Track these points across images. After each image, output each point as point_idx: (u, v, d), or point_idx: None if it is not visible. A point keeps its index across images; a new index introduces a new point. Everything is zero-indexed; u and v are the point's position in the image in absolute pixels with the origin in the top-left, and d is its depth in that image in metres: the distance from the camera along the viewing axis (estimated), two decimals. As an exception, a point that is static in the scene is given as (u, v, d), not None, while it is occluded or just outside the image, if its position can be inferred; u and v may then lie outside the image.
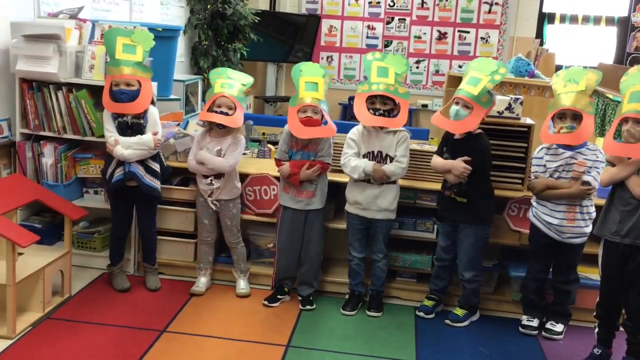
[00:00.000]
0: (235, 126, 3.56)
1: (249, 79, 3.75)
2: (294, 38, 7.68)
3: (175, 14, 5.92)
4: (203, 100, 5.66)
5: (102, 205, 3.91)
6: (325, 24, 7.65)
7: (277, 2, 7.69)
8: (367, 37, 7.56)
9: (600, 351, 3.15)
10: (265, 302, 3.64)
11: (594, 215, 3.34)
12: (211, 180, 3.63)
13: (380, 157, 3.50)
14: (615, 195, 3.05)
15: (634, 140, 2.85)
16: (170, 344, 3.16)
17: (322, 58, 7.70)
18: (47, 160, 3.81)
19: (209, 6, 6.09)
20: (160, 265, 3.94)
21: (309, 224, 3.63)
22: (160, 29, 4.02)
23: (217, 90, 3.57)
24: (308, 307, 3.62)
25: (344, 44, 7.66)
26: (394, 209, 3.54)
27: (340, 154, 3.61)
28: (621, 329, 3.15)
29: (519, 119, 3.69)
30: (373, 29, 7.52)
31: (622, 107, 2.93)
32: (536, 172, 3.36)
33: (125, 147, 3.45)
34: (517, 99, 3.67)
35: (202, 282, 3.76)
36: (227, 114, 3.53)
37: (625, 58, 7.05)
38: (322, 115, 3.49)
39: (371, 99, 3.43)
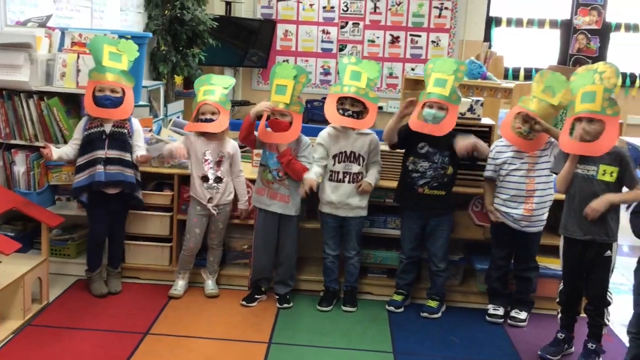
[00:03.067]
0: (220, 130, 3.67)
1: (230, 81, 3.86)
2: (249, 43, 7.77)
3: (134, 20, 5.93)
4: (165, 105, 5.71)
5: (75, 212, 3.93)
6: (280, 29, 7.77)
7: (232, 8, 7.75)
8: (322, 41, 7.71)
9: (563, 335, 3.37)
10: (243, 303, 3.74)
11: (549, 203, 3.58)
12: (212, 184, 3.70)
13: (353, 157, 3.65)
14: (569, 197, 3.25)
15: (589, 138, 3.06)
16: (156, 346, 3.23)
17: (278, 62, 7.79)
18: (19, 168, 3.80)
19: (166, 12, 6.13)
20: (135, 270, 3.99)
21: (283, 227, 3.74)
22: (129, 37, 4.05)
23: (200, 98, 3.67)
24: (285, 305, 3.73)
25: (299, 48, 7.79)
26: (365, 206, 3.71)
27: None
28: (582, 314, 3.37)
29: (480, 119, 3.90)
30: (328, 33, 7.68)
31: (575, 107, 3.10)
32: (489, 164, 3.62)
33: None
34: (478, 100, 3.89)
35: (180, 285, 3.82)
36: (211, 120, 3.63)
37: (568, 59, 7.43)
38: (292, 119, 3.60)
39: (341, 100, 3.58)
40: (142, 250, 4.00)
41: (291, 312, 3.70)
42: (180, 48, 6.24)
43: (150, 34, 5.15)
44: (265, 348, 3.27)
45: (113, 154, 3.57)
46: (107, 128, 3.57)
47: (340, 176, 3.66)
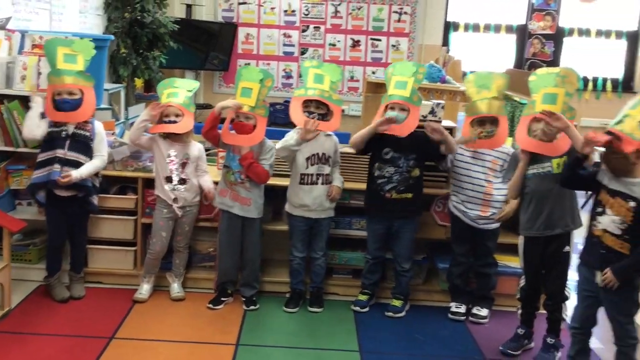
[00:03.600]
0: (183, 131, 3.67)
1: (194, 84, 3.86)
2: (210, 46, 7.74)
3: (93, 23, 5.86)
4: (126, 108, 5.66)
5: (35, 217, 3.87)
6: (241, 32, 7.77)
7: (192, 10, 7.72)
8: (284, 44, 7.74)
9: (523, 331, 3.47)
10: (210, 305, 3.74)
11: (503, 204, 3.68)
12: (175, 185, 3.70)
13: (324, 159, 3.71)
14: (526, 198, 3.34)
15: (547, 139, 3.17)
16: (122, 350, 3.21)
17: (240, 65, 7.79)
18: (-22, 173, 3.73)
19: (126, 14, 6.07)
20: (99, 275, 3.96)
21: (246, 229, 3.75)
22: (91, 39, 4.02)
23: (164, 101, 3.67)
24: (252, 307, 3.75)
25: (261, 51, 7.81)
26: (333, 206, 3.77)
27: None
28: (542, 310, 3.48)
29: (441, 122, 3.98)
30: (289, 36, 7.72)
31: (535, 106, 3.20)
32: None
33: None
34: (439, 103, 3.98)
35: (145, 289, 3.80)
36: (175, 122, 3.63)
37: (523, 63, 7.63)
38: (256, 122, 3.61)
39: (306, 103, 3.62)
40: (106, 255, 3.96)
41: (258, 313, 3.72)
42: (141, 51, 6.19)
43: (112, 37, 5.11)
44: (232, 350, 3.29)
45: (72, 155, 3.53)
46: (70, 129, 3.54)
47: (314, 178, 3.69)
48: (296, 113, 3.63)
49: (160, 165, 3.73)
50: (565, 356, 3.16)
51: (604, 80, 7.65)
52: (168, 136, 3.72)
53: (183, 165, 3.72)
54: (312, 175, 3.69)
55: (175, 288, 3.86)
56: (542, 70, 3.31)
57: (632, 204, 2.76)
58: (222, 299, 3.79)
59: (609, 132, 2.78)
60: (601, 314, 3.00)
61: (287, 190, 3.76)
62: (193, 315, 3.64)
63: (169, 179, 3.70)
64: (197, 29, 7.61)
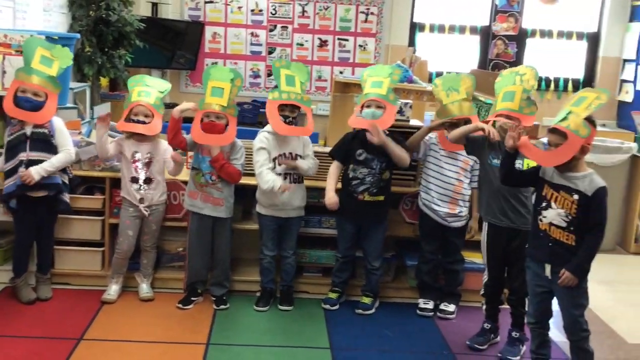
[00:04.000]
0: (153, 134, 3.65)
1: (166, 86, 3.84)
2: (176, 44, 7.68)
3: (57, 21, 5.77)
4: (91, 107, 5.59)
5: (1, 218, 3.81)
6: (208, 31, 7.72)
7: (158, 9, 7.65)
8: (251, 44, 7.72)
9: (489, 325, 3.55)
10: (179, 305, 3.73)
11: (468, 199, 3.77)
12: (141, 185, 3.67)
13: (291, 158, 3.72)
14: (488, 184, 3.42)
15: (505, 135, 3.24)
16: (91, 351, 3.19)
17: (207, 64, 7.75)
18: (-59, 173, 3.65)
19: (91, 13, 6.00)
20: (66, 276, 3.92)
21: (217, 229, 3.75)
22: (57, 37, 3.97)
23: (134, 98, 3.64)
24: (222, 306, 3.75)
25: (228, 50, 7.77)
26: (304, 206, 3.79)
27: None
28: (506, 305, 3.56)
29: (409, 121, 4.05)
30: (257, 36, 7.70)
31: (497, 104, 3.31)
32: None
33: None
34: (407, 103, 4.04)
35: (113, 289, 3.77)
36: (144, 122, 3.60)
37: (487, 64, 7.75)
38: (228, 121, 3.62)
39: (282, 107, 3.64)
40: (73, 256, 3.92)
41: (228, 313, 3.72)
42: (106, 49, 6.12)
43: (78, 35, 5.05)
44: (203, 349, 3.29)
45: (35, 155, 3.49)
46: (28, 130, 3.50)
47: (282, 178, 3.70)
48: (276, 119, 3.63)
49: (125, 166, 3.70)
50: (529, 350, 3.24)
51: (565, 81, 7.82)
52: (133, 136, 3.69)
53: (148, 164, 3.71)
54: (280, 175, 3.70)
55: (144, 288, 3.84)
56: (507, 71, 3.41)
57: (576, 197, 2.86)
58: (192, 298, 3.78)
59: (554, 129, 2.86)
60: (556, 307, 3.09)
61: (257, 190, 3.77)
62: (163, 316, 3.63)
63: (134, 180, 3.68)
64: (163, 27, 7.54)
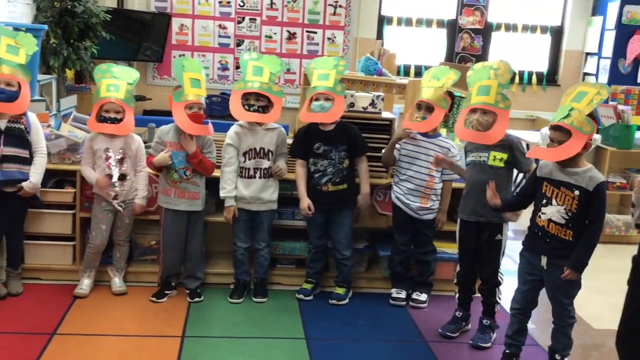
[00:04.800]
0: (124, 133, 3.62)
1: (135, 75, 3.78)
2: (142, 36, 7.59)
3: (22, 12, 5.65)
4: (58, 100, 5.50)
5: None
6: (175, 23, 7.65)
7: (124, 0, 7.56)
8: (219, 36, 7.68)
9: (461, 313, 3.62)
10: (153, 299, 3.71)
11: (439, 192, 3.85)
12: (115, 182, 3.64)
13: (262, 153, 3.73)
14: (468, 182, 3.50)
15: (482, 128, 3.30)
16: (65, 345, 3.16)
17: (174, 56, 7.69)
18: None
19: (56, 4, 5.89)
20: (37, 271, 3.87)
21: (192, 223, 3.74)
22: (24, 29, 3.89)
23: (103, 94, 3.59)
24: (197, 299, 3.75)
25: (196, 42, 7.71)
26: (275, 199, 3.80)
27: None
28: (477, 294, 3.64)
29: (381, 113, 4.10)
30: (225, 28, 7.66)
31: (471, 98, 3.35)
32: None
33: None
34: (379, 95, 4.08)
35: (85, 284, 3.74)
36: (115, 119, 3.57)
37: (454, 57, 7.85)
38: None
39: (246, 96, 3.64)
40: (43, 250, 3.87)
41: (202, 305, 3.72)
42: (72, 41, 6.02)
43: (46, 27, 4.96)
44: (179, 342, 3.29)
45: (9, 151, 3.45)
46: (2, 124, 3.44)
47: (252, 172, 3.72)
48: (236, 107, 3.64)
49: (97, 163, 3.66)
50: (503, 335, 3.32)
51: (530, 74, 7.97)
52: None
53: (121, 161, 3.67)
54: (249, 169, 3.72)
55: (117, 282, 3.81)
56: (479, 65, 3.46)
57: (577, 192, 2.92)
58: (166, 292, 3.77)
59: (558, 127, 2.90)
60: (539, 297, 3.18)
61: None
62: (137, 309, 3.61)
63: (108, 177, 3.64)
64: (129, 19, 7.45)
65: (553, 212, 2.99)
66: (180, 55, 7.72)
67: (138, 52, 7.58)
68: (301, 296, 3.87)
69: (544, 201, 3.03)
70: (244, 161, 3.71)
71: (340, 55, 7.65)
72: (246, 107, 3.64)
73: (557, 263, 3.00)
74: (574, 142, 2.85)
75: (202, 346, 3.27)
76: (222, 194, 3.70)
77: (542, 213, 3.03)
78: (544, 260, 3.06)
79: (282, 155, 3.82)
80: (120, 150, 3.66)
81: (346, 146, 3.74)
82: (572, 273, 2.94)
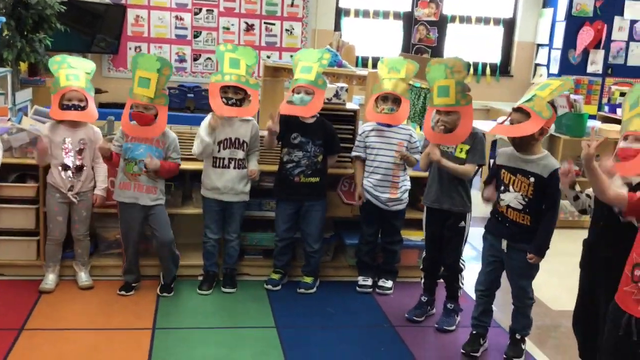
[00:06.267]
0: (91, 120, 3.59)
1: (91, 66, 3.74)
2: (95, 28, 7.46)
3: (-28, 2, 5.50)
4: (13, 93, 5.37)
5: None
6: (131, 14, 7.54)
7: (78, -10, 7.40)
8: (176, 27, 7.61)
9: (426, 298, 3.73)
10: (121, 292, 3.70)
11: (409, 186, 3.93)
12: (72, 173, 3.59)
13: (237, 144, 3.74)
14: (432, 171, 3.61)
15: (449, 127, 3.35)
16: (34, 340, 3.13)
17: (130, 48, 7.59)
18: None
19: (9, -5, 5.75)
20: (0, 266, 3.80)
21: (156, 216, 3.68)
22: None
23: (64, 83, 3.53)
24: (165, 294, 3.73)
25: (152, 34, 7.62)
26: (247, 191, 3.82)
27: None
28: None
29: (345, 104, 4.16)
30: (181, 19, 7.59)
31: (433, 99, 3.41)
32: (357, 146, 3.88)
33: None
34: (343, 87, 4.14)
35: (50, 278, 3.70)
36: (78, 107, 3.53)
37: (410, 48, 7.98)
38: (157, 112, 3.50)
39: (224, 89, 3.65)
40: (7, 246, 3.81)
41: (172, 297, 3.73)
42: (26, 33, 5.89)
43: (4, 18, 4.83)
44: (150, 334, 3.29)
45: None
46: None
47: (226, 162, 3.73)
48: (216, 100, 3.64)
49: (55, 152, 3.60)
50: (467, 319, 3.44)
51: (484, 65, 8.16)
52: (64, 121, 3.61)
53: (80, 151, 3.64)
54: (224, 159, 3.73)
55: (83, 277, 3.78)
56: (435, 61, 3.49)
57: (532, 179, 3.05)
58: (133, 284, 3.76)
59: (519, 109, 3.03)
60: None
61: (202, 173, 3.79)
62: (105, 303, 3.60)
63: (65, 167, 3.60)
64: (82, 10, 7.31)
65: (511, 198, 3.11)
66: (136, 47, 7.63)
67: (92, 44, 7.45)
68: (269, 286, 3.92)
69: (502, 188, 3.15)
70: (219, 150, 3.72)
71: (298, 47, 7.68)
72: (224, 100, 3.64)
73: (516, 246, 3.14)
74: (532, 123, 2.98)
75: (174, 337, 3.28)
76: (195, 149, 3.68)
77: (501, 199, 3.15)
78: (504, 244, 3.19)
79: (254, 152, 3.83)
80: (81, 141, 3.62)
81: (322, 141, 3.79)
82: (535, 257, 3.08)
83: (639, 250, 2.39)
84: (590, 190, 2.84)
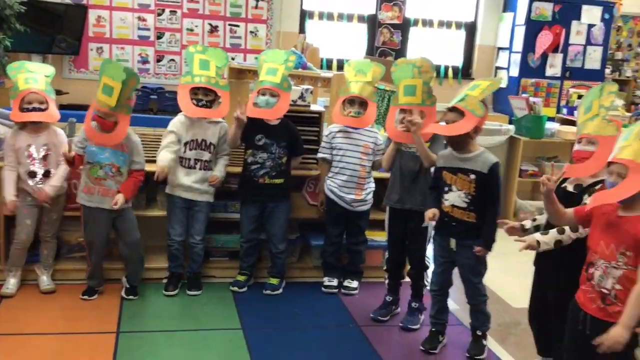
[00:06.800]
0: (53, 120, 3.54)
1: (50, 70, 3.70)
2: (55, 28, 7.35)
3: None
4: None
5: None
6: (92, 14, 7.44)
7: (37, -10, 7.27)
8: (139, 28, 7.53)
9: (391, 298, 3.78)
10: (84, 297, 3.65)
11: (373, 187, 3.98)
12: (40, 179, 3.54)
13: (204, 145, 3.74)
14: (394, 171, 3.65)
15: (414, 128, 3.41)
16: (-5, 347, 3.08)
17: (92, 49, 7.49)
18: None
19: (-34, -6, 5.63)
20: (-43, 272, 3.72)
21: (122, 220, 3.64)
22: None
23: (23, 86, 3.49)
24: (131, 297, 3.70)
25: (114, 35, 7.52)
26: (212, 192, 3.82)
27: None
28: (407, 278, 3.80)
29: (310, 106, 4.18)
30: (144, 20, 7.51)
31: (399, 98, 3.48)
32: (324, 147, 3.91)
33: None
34: (308, 89, 4.17)
35: (12, 283, 3.64)
36: (39, 109, 3.48)
37: (374, 51, 8.04)
38: (117, 120, 3.44)
39: (194, 90, 3.64)
40: (-36, 250, 3.73)
41: (135, 301, 3.70)
42: (-17, 34, 5.77)
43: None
44: (114, 338, 3.26)
45: None
46: None
47: (192, 163, 3.73)
48: (185, 102, 3.63)
49: (21, 160, 3.55)
50: (428, 316, 3.50)
51: (446, 68, 8.28)
52: (26, 127, 3.56)
53: (45, 157, 3.59)
54: (189, 159, 3.72)
55: (45, 280, 3.72)
56: (402, 61, 3.57)
57: (473, 176, 3.14)
58: (96, 288, 3.72)
59: (453, 108, 3.11)
60: (458, 279, 3.37)
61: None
62: (67, 307, 3.55)
63: (32, 174, 3.55)
64: (42, 10, 7.18)
65: (454, 197, 3.19)
66: (98, 48, 7.53)
67: (53, 45, 7.33)
68: (235, 288, 3.91)
69: (446, 188, 3.23)
70: (185, 151, 3.71)
71: (263, 49, 7.68)
72: (194, 101, 3.63)
73: (465, 244, 3.22)
74: (466, 122, 3.08)
75: (138, 341, 3.26)
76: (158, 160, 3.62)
77: (445, 199, 3.23)
78: (452, 243, 3.26)
79: (223, 156, 3.83)
80: (44, 147, 3.58)
81: (286, 143, 3.80)
82: (483, 250, 3.17)
83: (589, 250, 2.51)
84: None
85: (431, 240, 3.70)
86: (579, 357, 2.55)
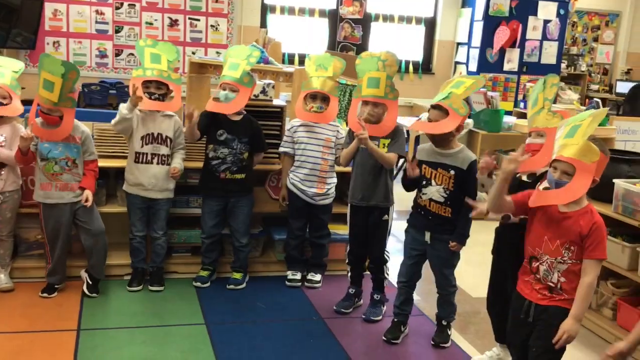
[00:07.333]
0: (15, 114, 3.49)
1: (20, 65, 3.65)
2: (10, 22, 7.19)
3: None
4: None
5: None
6: (49, 8, 7.30)
7: (-9, -17, 7.09)
8: (97, 22, 7.42)
9: (353, 290, 3.81)
10: (44, 295, 3.60)
11: (336, 181, 4.01)
12: None
13: (160, 139, 3.71)
14: (355, 168, 3.66)
15: (374, 120, 3.46)
16: (-49, 348, 3.01)
17: (48, 43, 7.35)
18: None
19: None
20: None
21: (83, 209, 3.59)
22: None
23: None
24: (94, 294, 3.65)
25: (71, 28, 7.40)
26: (172, 188, 3.79)
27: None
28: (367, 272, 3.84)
29: (272, 100, 4.19)
30: (102, 13, 7.41)
31: (362, 90, 3.49)
32: (286, 142, 3.93)
33: None
34: (270, 83, 4.18)
35: (-33, 282, 3.56)
36: (2, 104, 3.42)
37: (336, 45, 8.09)
38: (62, 114, 3.41)
39: (146, 84, 3.61)
40: None
41: (97, 297, 3.65)
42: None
43: None
44: (74, 335, 3.22)
45: None
46: None
47: (149, 157, 3.70)
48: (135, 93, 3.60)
49: None
50: (391, 307, 3.55)
51: (407, 63, 8.37)
52: None
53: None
54: (146, 154, 3.69)
55: (2, 279, 3.65)
56: (366, 54, 3.59)
57: (452, 172, 3.18)
58: (56, 286, 3.66)
59: (437, 106, 3.14)
60: (422, 270, 3.42)
61: (125, 168, 3.73)
62: (26, 306, 3.49)
63: None
64: (-4, 4, 7.02)
65: (433, 191, 3.23)
66: (54, 42, 7.40)
67: (8, 39, 7.17)
68: (198, 284, 3.90)
69: (424, 182, 3.26)
70: (141, 146, 3.68)
71: (224, 43, 7.65)
72: (147, 94, 3.61)
73: (439, 237, 3.27)
74: (450, 121, 3.11)
75: (100, 338, 3.23)
76: (114, 120, 3.62)
77: (423, 193, 3.27)
78: (427, 236, 3.31)
79: (179, 150, 3.81)
80: (3, 139, 3.50)
81: (248, 139, 3.80)
82: (457, 245, 3.23)
83: (531, 244, 2.59)
84: None
85: (391, 233, 3.77)
86: (520, 343, 2.65)
